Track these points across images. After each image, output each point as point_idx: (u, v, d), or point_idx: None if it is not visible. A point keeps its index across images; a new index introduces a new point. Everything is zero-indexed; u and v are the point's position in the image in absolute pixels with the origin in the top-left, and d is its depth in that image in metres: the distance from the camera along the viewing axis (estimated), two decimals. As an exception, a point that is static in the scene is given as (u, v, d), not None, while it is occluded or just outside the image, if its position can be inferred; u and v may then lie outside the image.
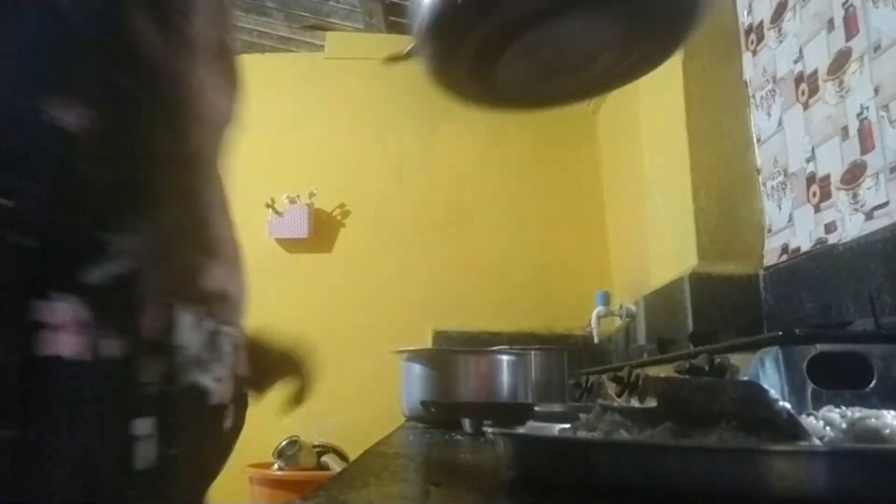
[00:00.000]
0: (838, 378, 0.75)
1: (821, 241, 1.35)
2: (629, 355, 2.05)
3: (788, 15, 1.49)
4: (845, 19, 1.28)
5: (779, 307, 1.43)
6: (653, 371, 1.22)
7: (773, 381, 0.77)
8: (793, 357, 0.76)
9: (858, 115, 1.23)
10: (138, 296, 0.36)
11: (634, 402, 1.19)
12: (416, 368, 1.35)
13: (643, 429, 0.42)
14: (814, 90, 1.38)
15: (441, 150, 2.93)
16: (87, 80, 0.37)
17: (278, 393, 0.89)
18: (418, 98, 3.04)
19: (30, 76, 0.35)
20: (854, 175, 1.24)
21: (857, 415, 0.41)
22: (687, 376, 0.93)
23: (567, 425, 0.52)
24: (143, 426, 0.36)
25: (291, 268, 2.84)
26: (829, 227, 1.32)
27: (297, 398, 0.73)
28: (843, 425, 0.40)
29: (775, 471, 0.32)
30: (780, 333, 0.79)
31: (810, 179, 1.39)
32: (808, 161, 1.40)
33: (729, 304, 1.51)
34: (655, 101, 1.94)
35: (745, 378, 0.83)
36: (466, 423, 1.03)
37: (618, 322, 2.28)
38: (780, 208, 1.52)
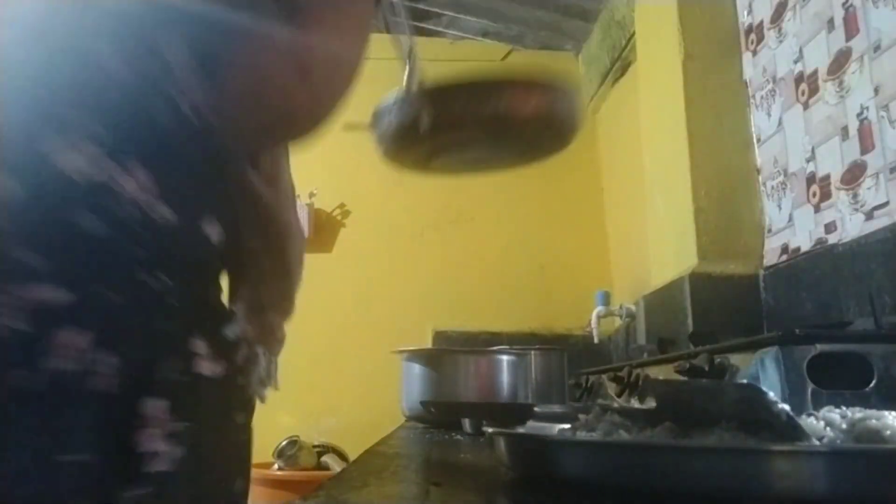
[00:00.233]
0: (838, 378, 0.75)
1: (821, 241, 1.35)
2: (629, 355, 2.05)
3: (788, 15, 1.49)
4: (845, 19, 1.28)
5: (779, 307, 1.43)
6: (653, 371, 1.22)
7: (773, 382, 0.77)
8: (793, 357, 0.76)
9: (858, 115, 1.23)
10: (241, 342, 0.59)
11: (634, 403, 1.19)
12: (416, 368, 1.35)
13: (643, 429, 0.42)
14: (814, 90, 1.38)
15: (441, 150, 2.93)
16: (226, 208, 0.57)
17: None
18: (418, 98, 3.03)
19: (196, 207, 0.53)
20: (854, 175, 1.24)
21: (858, 415, 0.41)
22: (686, 378, 0.93)
23: (567, 425, 0.52)
24: (240, 417, 0.60)
25: (291, 268, 2.84)
26: (829, 227, 1.32)
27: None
28: (844, 426, 0.40)
29: (775, 471, 0.32)
30: (780, 333, 0.79)
31: (810, 179, 1.39)
32: (808, 161, 1.40)
33: (729, 304, 1.51)
34: (655, 101, 1.94)
35: (745, 378, 0.83)
36: (466, 423, 1.03)
37: (618, 322, 2.28)
38: (780, 208, 1.52)
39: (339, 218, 2.91)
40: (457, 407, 1.17)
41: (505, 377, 1.33)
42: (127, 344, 0.45)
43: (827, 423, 0.41)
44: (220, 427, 0.56)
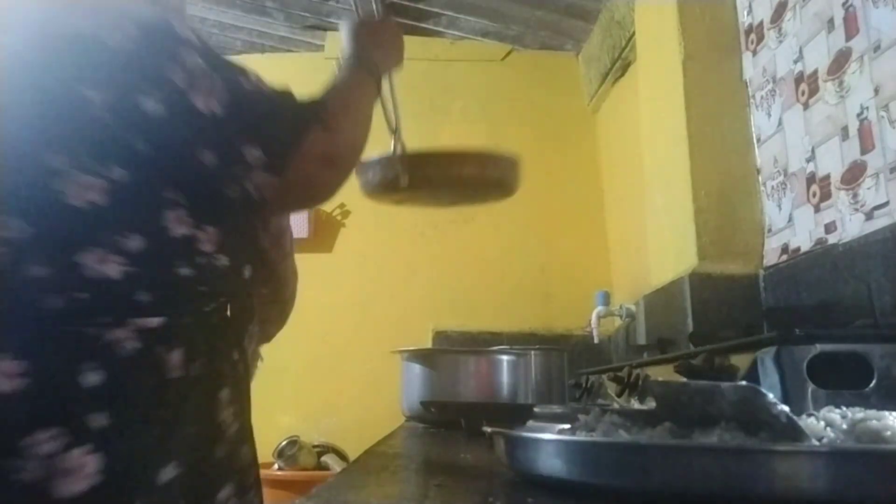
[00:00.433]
0: (838, 378, 0.75)
1: (821, 241, 1.35)
2: (629, 355, 2.05)
3: (788, 15, 1.49)
4: (845, 19, 1.28)
5: (779, 307, 1.43)
6: (653, 371, 1.22)
7: (773, 381, 0.77)
8: (793, 357, 0.76)
9: (858, 115, 1.23)
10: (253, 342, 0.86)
11: (634, 402, 1.19)
12: (416, 368, 1.35)
13: (642, 430, 0.42)
14: (814, 90, 1.38)
15: (441, 150, 2.93)
16: (255, 255, 0.83)
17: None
18: (418, 98, 3.04)
19: (240, 256, 0.77)
20: (854, 175, 1.24)
21: (859, 416, 0.41)
22: (685, 379, 0.93)
23: (567, 426, 0.52)
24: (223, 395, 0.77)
25: (291, 268, 2.84)
26: (829, 227, 1.32)
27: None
28: (844, 426, 0.40)
29: (775, 471, 0.32)
30: (780, 333, 0.79)
31: (810, 179, 1.39)
32: (808, 161, 1.40)
33: (729, 304, 1.51)
34: (655, 101, 1.94)
35: (745, 378, 0.83)
36: (466, 423, 1.03)
37: (618, 322, 2.28)
38: (780, 208, 1.52)
39: (339, 218, 2.91)
40: (457, 407, 1.17)
41: (505, 377, 1.33)
42: (202, 350, 0.70)
43: (827, 423, 0.41)
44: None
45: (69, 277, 0.61)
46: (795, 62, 1.45)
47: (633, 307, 2.09)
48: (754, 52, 1.64)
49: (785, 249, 1.49)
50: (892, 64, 1.15)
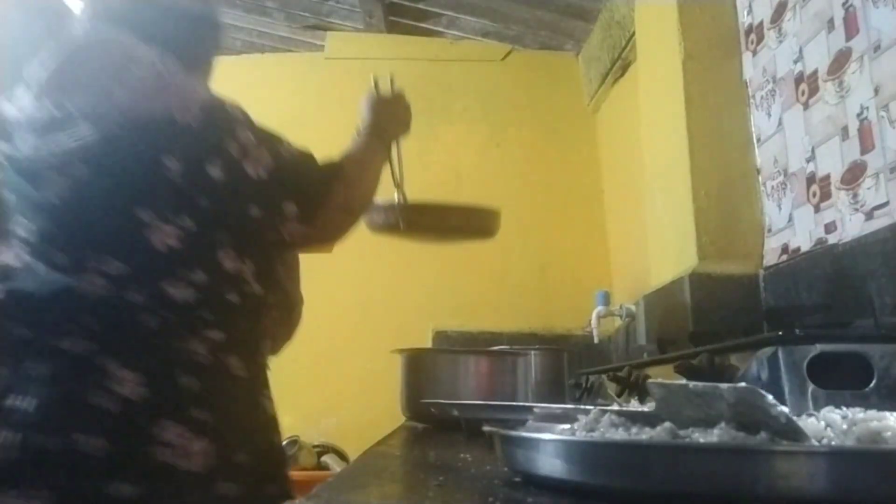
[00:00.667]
0: (838, 378, 0.75)
1: (821, 241, 1.35)
2: (629, 355, 2.05)
3: (788, 15, 1.49)
4: (845, 19, 1.28)
5: (779, 307, 1.43)
6: (653, 371, 1.22)
7: (773, 382, 0.77)
8: (793, 357, 0.76)
9: (858, 115, 1.23)
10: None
11: (635, 403, 1.19)
12: (416, 368, 1.35)
13: (642, 429, 0.42)
14: (814, 90, 1.38)
15: (441, 151, 2.93)
16: (274, 284, 0.98)
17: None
18: (418, 98, 3.02)
19: (269, 283, 0.94)
20: (854, 175, 1.24)
21: (859, 416, 0.41)
22: (685, 380, 0.93)
23: (567, 426, 0.52)
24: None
25: (291, 268, 2.84)
26: (829, 227, 1.32)
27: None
28: (844, 426, 0.40)
29: (775, 471, 0.32)
30: (780, 333, 0.79)
31: (810, 179, 1.39)
32: (808, 161, 1.40)
33: (729, 304, 1.51)
34: (655, 101, 1.94)
35: (745, 378, 0.83)
36: (466, 423, 1.03)
37: (618, 322, 2.28)
38: (780, 208, 1.52)
39: (339, 218, 2.91)
40: (457, 407, 1.17)
41: (505, 377, 1.33)
42: (249, 357, 0.89)
43: (828, 423, 0.41)
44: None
45: (158, 302, 0.79)
46: (795, 62, 1.45)
47: (633, 307, 2.09)
48: (754, 52, 1.64)
49: (785, 249, 1.49)
50: (892, 64, 1.15)
